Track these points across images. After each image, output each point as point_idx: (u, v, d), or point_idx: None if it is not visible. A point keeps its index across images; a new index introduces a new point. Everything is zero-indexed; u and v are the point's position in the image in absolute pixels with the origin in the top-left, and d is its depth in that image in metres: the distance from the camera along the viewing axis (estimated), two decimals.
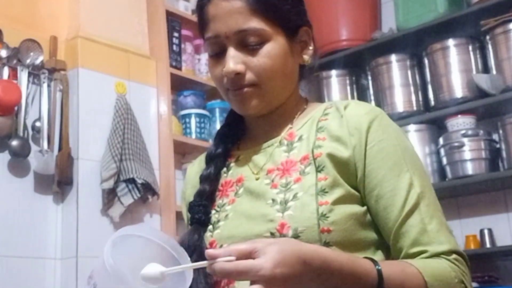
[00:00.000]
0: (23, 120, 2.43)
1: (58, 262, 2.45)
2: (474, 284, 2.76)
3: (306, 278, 0.87)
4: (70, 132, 2.52)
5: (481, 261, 2.99)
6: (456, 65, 3.04)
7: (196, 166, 1.24)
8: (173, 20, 3.00)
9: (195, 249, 1.09)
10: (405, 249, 1.01)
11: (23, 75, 2.46)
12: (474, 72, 3.01)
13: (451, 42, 3.07)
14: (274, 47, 1.09)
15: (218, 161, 1.18)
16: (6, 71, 2.42)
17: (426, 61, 3.18)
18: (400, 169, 1.04)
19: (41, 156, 2.43)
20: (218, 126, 2.97)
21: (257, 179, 1.11)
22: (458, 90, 3.01)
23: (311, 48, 1.16)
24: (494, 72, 2.95)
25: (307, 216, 1.00)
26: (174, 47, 2.98)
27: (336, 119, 1.09)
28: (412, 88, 3.20)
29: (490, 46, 2.98)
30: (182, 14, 3.07)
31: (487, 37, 2.99)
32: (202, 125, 2.99)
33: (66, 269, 2.42)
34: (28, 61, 2.49)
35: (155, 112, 2.84)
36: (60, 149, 2.50)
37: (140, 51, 2.86)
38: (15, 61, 2.46)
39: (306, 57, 1.15)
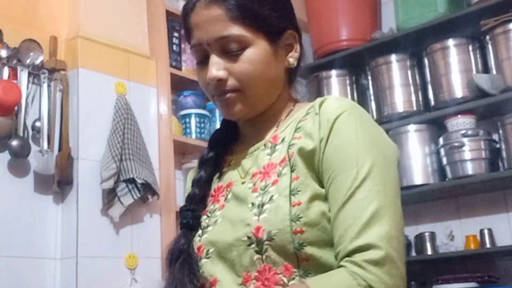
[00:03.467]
0: (23, 120, 2.43)
1: (58, 262, 2.45)
2: (474, 284, 2.76)
3: None
4: (70, 132, 2.52)
5: (481, 261, 2.99)
6: (456, 65, 3.04)
7: (194, 171, 1.26)
8: (173, 20, 3.00)
9: (181, 253, 1.11)
10: (340, 246, 0.96)
11: (23, 75, 2.46)
12: (474, 72, 3.01)
13: (451, 42, 3.07)
14: (255, 52, 1.09)
15: (209, 165, 1.19)
16: (6, 71, 2.42)
17: (426, 61, 3.18)
18: (350, 165, 0.99)
19: (41, 156, 2.43)
20: (218, 126, 2.97)
21: (242, 183, 1.12)
22: (458, 90, 3.01)
23: (297, 51, 1.16)
24: (494, 72, 2.95)
25: (280, 219, 1.00)
26: (174, 47, 2.98)
27: (311, 117, 1.08)
28: (412, 88, 3.20)
29: (490, 46, 2.98)
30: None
31: (487, 37, 2.99)
32: (202, 125, 2.99)
33: (66, 269, 2.42)
34: (28, 61, 2.49)
35: (155, 112, 2.84)
36: (60, 149, 2.50)
37: (140, 51, 2.86)
38: (15, 61, 2.45)
39: (291, 60, 1.15)
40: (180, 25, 3.03)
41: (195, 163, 2.90)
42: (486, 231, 2.94)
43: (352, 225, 0.95)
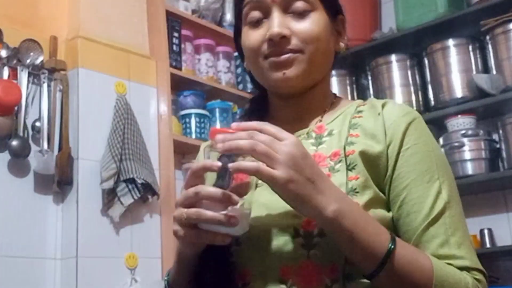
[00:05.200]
0: (23, 120, 2.42)
1: (58, 262, 2.45)
2: None
3: (323, 182, 0.89)
4: (70, 132, 2.52)
5: (481, 261, 2.99)
6: (456, 65, 3.04)
7: (208, 145, 1.17)
8: (173, 20, 3.00)
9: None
10: None
11: (23, 75, 2.46)
12: (474, 72, 3.02)
13: (451, 42, 3.07)
14: (319, 18, 1.07)
15: None
16: (6, 71, 2.42)
17: (426, 61, 3.18)
18: (430, 176, 0.99)
19: (41, 156, 2.43)
20: (218, 126, 2.97)
21: None
22: (458, 90, 3.02)
23: (345, 39, 1.13)
24: (494, 72, 2.95)
25: None
26: (174, 47, 2.97)
27: (371, 117, 1.04)
28: (412, 88, 3.21)
29: (490, 46, 2.98)
30: (182, 14, 3.07)
31: (487, 37, 2.99)
32: (202, 125, 2.99)
33: (66, 269, 2.42)
34: (28, 61, 2.49)
35: (155, 112, 2.84)
36: (60, 149, 2.49)
37: (140, 51, 2.86)
38: (15, 61, 2.45)
39: (342, 44, 1.12)
40: (180, 25, 3.03)
41: (195, 163, 2.91)
42: (486, 231, 2.94)
43: (448, 243, 0.96)
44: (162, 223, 2.71)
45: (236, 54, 3.24)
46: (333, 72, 3.40)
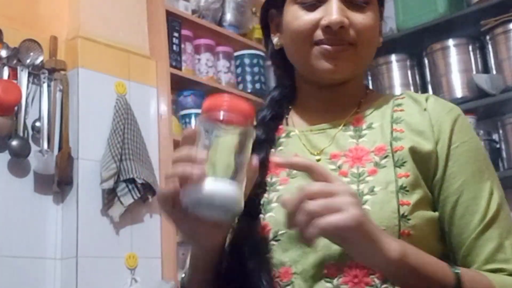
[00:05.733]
0: (23, 120, 2.42)
1: (58, 262, 2.45)
2: None
3: (384, 237, 0.81)
4: (70, 132, 2.52)
5: None
6: (456, 65, 3.04)
7: None
8: (173, 20, 3.00)
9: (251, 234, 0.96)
10: (477, 264, 0.93)
11: (23, 75, 2.46)
12: (474, 72, 3.02)
13: (451, 42, 3.07)
14: (375, 11, 1.03)
15: (270, 127, 1.06)
16: (6, 71, 2.42)
17: (426, 61, 3.18)
18: (481, 175, 0.96)
19: (41, 156, 2.43)
20: None
21: (318, 160, 0.99)
22: (458, 90, 3.02)
23: (382, 33, 1.08)
24: (494, 72, 2.95)
25: (387, 215, 0.90)
26: (174, 47, 2.97)
27: (415, 111, 1.00)
28: (412, 88, 3.21)
29: (490, 46, 2.98)
30: (182, 14, 3.07)
31: (487, 37, 2.99)
32: None
33: (66, 269, 2.42)
34: (28, 61, 2.49)
35: (155, 112, 2.84)
36: (60, 149, 2.49)
37: (140, 51, 2.86)
38: (15, 61, 2.45)
39: (380, 39, 1.07)
40: (180, 25, 3.03)
41: None
42: None
43: (503, 247, 0.93)
44: (162, 223, 2.71)
45: (236, 54, 3.25)
46: None
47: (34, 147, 2.44)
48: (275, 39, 1.08)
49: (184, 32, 3.06)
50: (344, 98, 1.06)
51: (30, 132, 2.47)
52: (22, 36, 2.49)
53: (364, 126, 1.01)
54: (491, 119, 3.03)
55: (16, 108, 2.40)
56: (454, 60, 3.05)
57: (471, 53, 3.05)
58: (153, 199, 2.66)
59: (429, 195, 0.95)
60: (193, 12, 3.15)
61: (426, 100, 1.01)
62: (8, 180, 2.38)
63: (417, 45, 3.20)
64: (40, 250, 2.42)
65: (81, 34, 2.63)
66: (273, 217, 0.96)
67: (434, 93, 3.12)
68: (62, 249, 2.45)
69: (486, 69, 3.02)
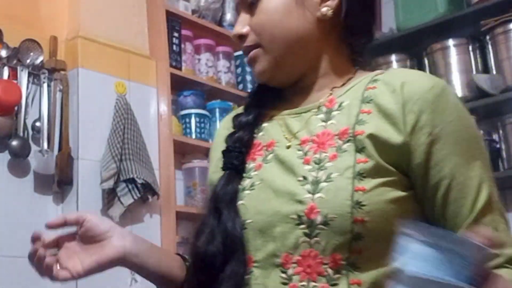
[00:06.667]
0: (23, 120, 2.42)
1: None
2: None
3: None
4: (70, 132, 2.52)
5: None
6: (456, 65, 3.04)
7: (227, 122, 1.11)
8: (173, 20, 3.00)
9: (232, 202, 0.96)
10: None
11: (23, 75, 2.46)
12: (474, 72, 3.02)
13: (451, 42, 3.07)
14: (268, 2, 0.99)
15: (249, 129, 1.04)
16: (6, 71, 2.42)
17: (426, 61, 3.18)
18: (471, 155, 0.91)
19: (41, 156, 2.43)
20: (218, 126, 2.97)
21: (288, 147, 0.97)
22: (458, 90, 3.02)
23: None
24: (494, 72, 2.95)
25: (339, 202, 0.87)
26: (174, 47, 2.97)
27: (388, 90, 0.93)
28: None
29: (490, 46, 2.98)
30: (182, 14, 3.07)
31: (487, 37, 2.99)
32: (202, 125, 2.99)
33: None
34: (28, 61, 2.49)
35: (155, 112, 2.84)
36: (60, 149, 2.49)
37: (140, 51, 2.86)
38: (15, 61, 2.45)
39: (324, 9, 0.98)
40: (180, 25, 3.03)
41: (195, 163, 2.92)
42: None
43: (498, 231, 0.90)
44: (162, 223, 2.71)
45: (236, 54, 3.25)
46: None
47: (34, 147, 2.44)
48: None
49: (184, 32, 3.06)
50: (316, 88, 1.02)
51: (30, 132, 2.47)
52: (22, 36, 2.49)
53: (335, 107, 0.97)
54: (491, 119, 3.03)
55: (16, 108, 2.40)
56: (454, 60, 3.05)
57: (471, 53, 3.05)
58: (153, 199, 2.66)
59: (400, 178, 0.90)
60: (193, 12, 3.15)
61: (403, 77, 0.93)
62: (8, 180, 2.38)
63: (417, 45, 3.20)
64: None
65: (81, 34, 2.63)
66: (244, 204, 0.96)
67: None
68: None
69: (486, 69, 3.02)
